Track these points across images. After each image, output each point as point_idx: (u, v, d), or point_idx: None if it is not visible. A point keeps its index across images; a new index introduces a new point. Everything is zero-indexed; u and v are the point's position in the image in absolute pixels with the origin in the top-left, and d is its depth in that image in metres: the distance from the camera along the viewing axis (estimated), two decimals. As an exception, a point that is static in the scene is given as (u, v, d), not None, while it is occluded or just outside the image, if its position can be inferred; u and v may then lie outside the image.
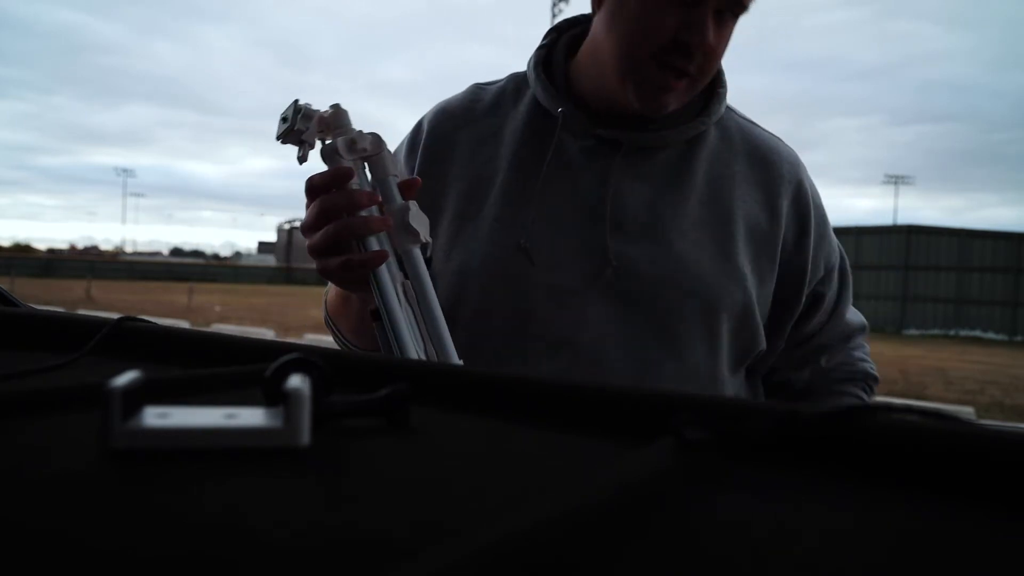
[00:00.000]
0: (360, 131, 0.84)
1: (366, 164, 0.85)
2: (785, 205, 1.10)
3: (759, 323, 1.08)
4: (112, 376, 0.43)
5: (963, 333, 23.99)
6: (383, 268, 0.79)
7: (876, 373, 1.25)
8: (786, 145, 1.16)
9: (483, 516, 0.35)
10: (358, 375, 0.61)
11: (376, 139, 0.85)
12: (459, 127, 1.11)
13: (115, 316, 0.81)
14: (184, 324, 11.16)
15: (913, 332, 24.40)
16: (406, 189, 0.86)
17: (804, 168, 1.16)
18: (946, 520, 0.36)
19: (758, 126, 1.16)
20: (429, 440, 0.49)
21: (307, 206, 0.83)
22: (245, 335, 0.82)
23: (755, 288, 1.06)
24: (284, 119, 0.83)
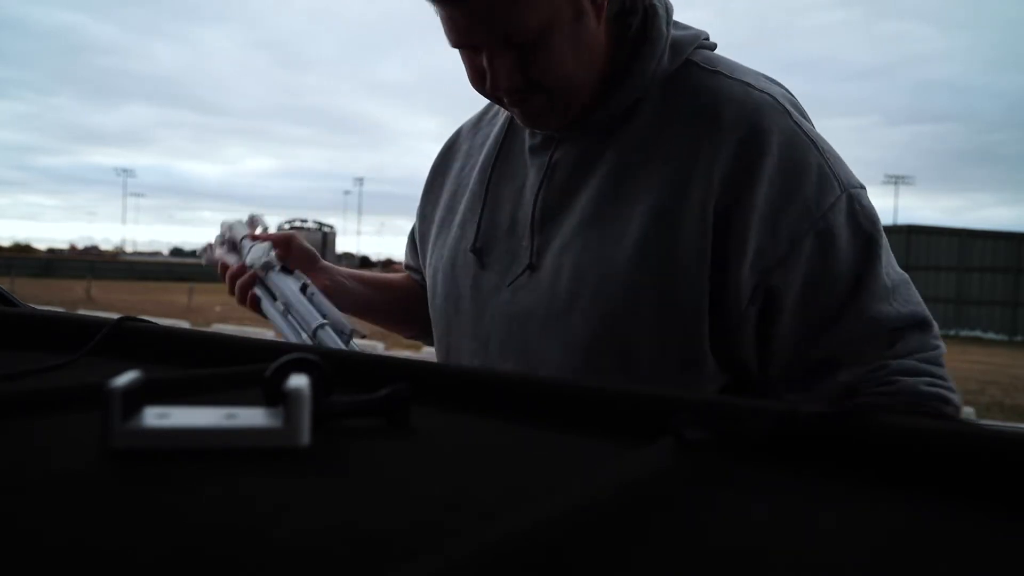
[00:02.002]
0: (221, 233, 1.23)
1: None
2: (711, 167, 0.89)
3: (670, 336, 0.90)
4: (112, 376, 0.43)
5: (963, 333, 23.98)
6: (262, 297, 1.12)
7: (946, 392, 0.89)
8: (760, 92, 0.93)
9: (483, 516, 0.35)
10: (358, 375, 0.61)
11: (232, 225, 1.22)
12: (465, 139, 1.20)
13: (115, 316, 0.81)
14: (184, 324, 11.16)
15: (913, 332, 24.32)
16: (252, 235, 1.17)
17: (774, 117, 0.90)
18: (946, 520, 0.36)
19: (726, 76, 0.95)
20: (429, 440, 0.49)
21: None
22: (245, 335, 0.83)
23: (655, 293, 0.90)
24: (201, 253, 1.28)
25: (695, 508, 0.37)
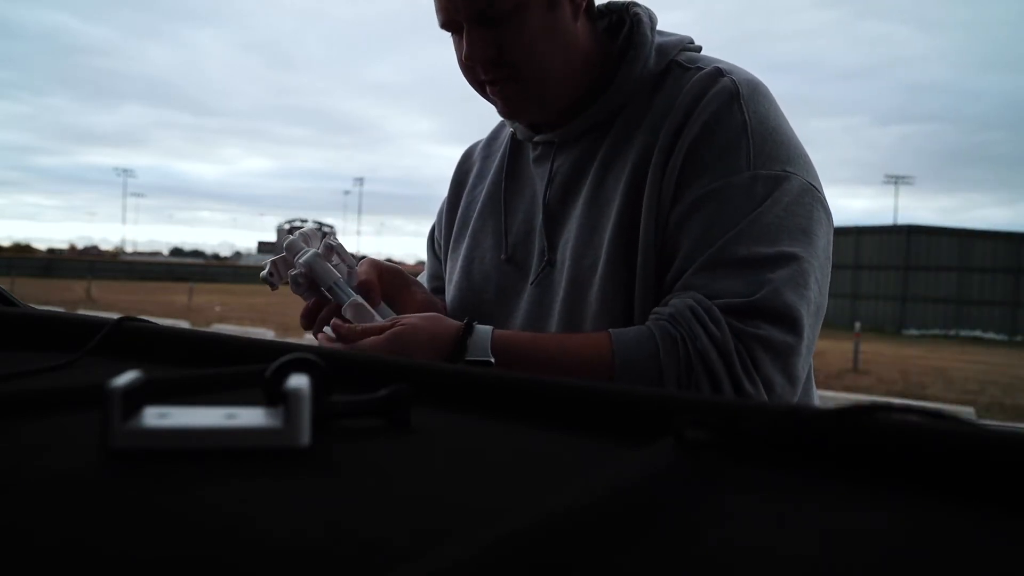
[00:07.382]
0: (301, 257, 1.07)
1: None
2: (662, 141, 0.99)
3: (651, 295, 0.99)
4: (112, 376, 0.43)
5: (963, 333, 23.98)
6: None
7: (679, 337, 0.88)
8: (726, 76, 1.00)
9: (483, 516, 0.35)
10: (358, 375, 0.61)
11: (311, 261, 1.06)
12: (476, 161, 1.29)
13: (115, 316, 0.81)
14: (184, 324, 11.15)
15: (913, 332, 24.39)
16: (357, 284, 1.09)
17: (726, 92, 0.98)
18: (946, 520, 0.36)
19: (702, 69, 1.02)
20: (429, 440, 0.49)
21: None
22: (245, 335, 0.83)
23: (628, 268, 1.00)
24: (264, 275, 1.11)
25: (696, 508, 0.37)
